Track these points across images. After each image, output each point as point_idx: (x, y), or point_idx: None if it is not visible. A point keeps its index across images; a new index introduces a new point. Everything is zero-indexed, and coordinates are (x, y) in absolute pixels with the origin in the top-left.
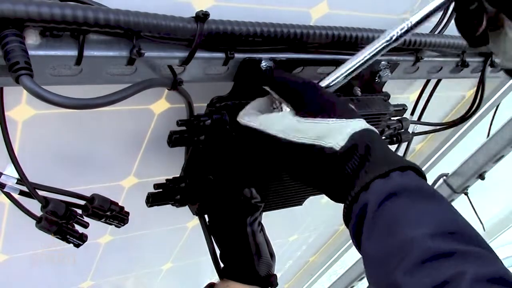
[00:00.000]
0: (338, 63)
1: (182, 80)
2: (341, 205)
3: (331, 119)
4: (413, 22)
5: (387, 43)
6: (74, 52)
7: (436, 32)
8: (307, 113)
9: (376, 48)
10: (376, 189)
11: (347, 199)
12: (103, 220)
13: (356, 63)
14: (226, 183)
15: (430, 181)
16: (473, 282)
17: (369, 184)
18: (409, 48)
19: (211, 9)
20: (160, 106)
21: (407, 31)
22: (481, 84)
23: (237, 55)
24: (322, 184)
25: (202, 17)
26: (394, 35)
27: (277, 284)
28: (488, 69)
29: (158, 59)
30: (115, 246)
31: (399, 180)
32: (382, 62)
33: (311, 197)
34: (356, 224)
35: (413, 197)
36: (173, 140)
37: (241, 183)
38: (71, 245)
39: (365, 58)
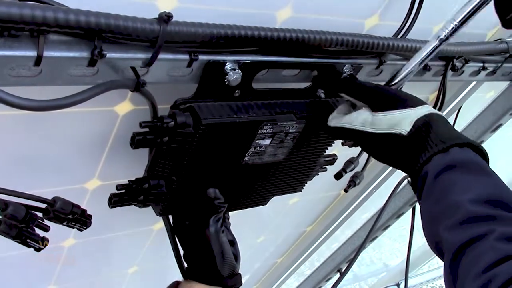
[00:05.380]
0: (302, 66)
1: (145, 82)
2: (308, 207)
3: (397, 111)
4: (458, 21)
5: (439, 43)
6: (33, 53)
7: (399, 36)
8: (379, 109)
9: (430, 50)
10: (435, 162)
11: (414, 172)
12: (64, 223)
13: (414, 66)
14: (189, 183)
15: (394, 183)
16: (496, 240)
17: (430, 158)
18: (372, 52)
19: (175, 11)
20: (124, 108)
21: (455, 30)
22: (442, 87)
23: (201, 57)
24: (397, 162)
25: (165, 18)
26: (444, 36)
27: (240, 284)
28: (450, 72)
29: (120, 60)
30: (79, 250)
31: (456, 154)
32: (346, 65)
33: (278, 199)
34: (419, 191)
35: (466, 169)
36: (136, 141)
37: (204, 184)
38: (32, 249)
39: (421, 59)
